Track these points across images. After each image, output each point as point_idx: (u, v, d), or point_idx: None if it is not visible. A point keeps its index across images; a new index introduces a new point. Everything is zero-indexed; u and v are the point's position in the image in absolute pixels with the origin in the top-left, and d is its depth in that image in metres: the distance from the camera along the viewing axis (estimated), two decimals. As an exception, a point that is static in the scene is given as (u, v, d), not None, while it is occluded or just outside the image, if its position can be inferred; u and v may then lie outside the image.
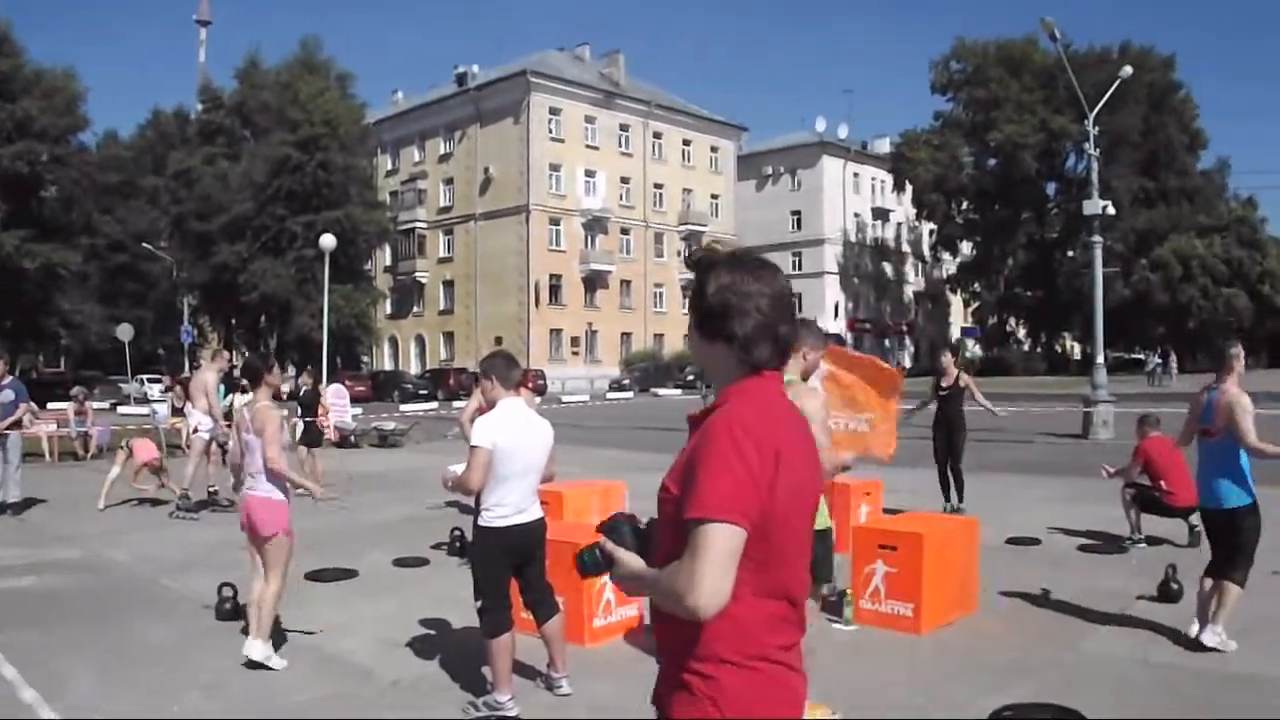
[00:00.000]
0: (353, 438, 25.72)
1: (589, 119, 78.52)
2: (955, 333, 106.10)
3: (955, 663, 6.87)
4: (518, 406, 6.10)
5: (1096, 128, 29.95)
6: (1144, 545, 10.70)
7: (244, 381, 9.06)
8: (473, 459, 5.86)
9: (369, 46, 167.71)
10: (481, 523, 5.99)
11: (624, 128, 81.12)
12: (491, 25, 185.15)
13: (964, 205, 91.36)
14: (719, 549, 2.27)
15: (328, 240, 25.31)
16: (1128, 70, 32.25)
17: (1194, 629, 7.12)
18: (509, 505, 5.93)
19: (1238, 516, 6.98)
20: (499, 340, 70.16)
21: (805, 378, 5.72)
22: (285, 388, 17.79)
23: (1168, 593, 8.33)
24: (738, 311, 2.54)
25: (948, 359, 13.88)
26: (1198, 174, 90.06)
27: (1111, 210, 29.71)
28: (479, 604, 5.99)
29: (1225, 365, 7.20)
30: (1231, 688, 6.26)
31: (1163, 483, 10.46)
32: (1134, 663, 6.82)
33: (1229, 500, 6.98)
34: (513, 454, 5.89)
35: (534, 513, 6.09)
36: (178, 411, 22.66)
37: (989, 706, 5.89)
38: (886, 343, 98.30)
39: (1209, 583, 7.14)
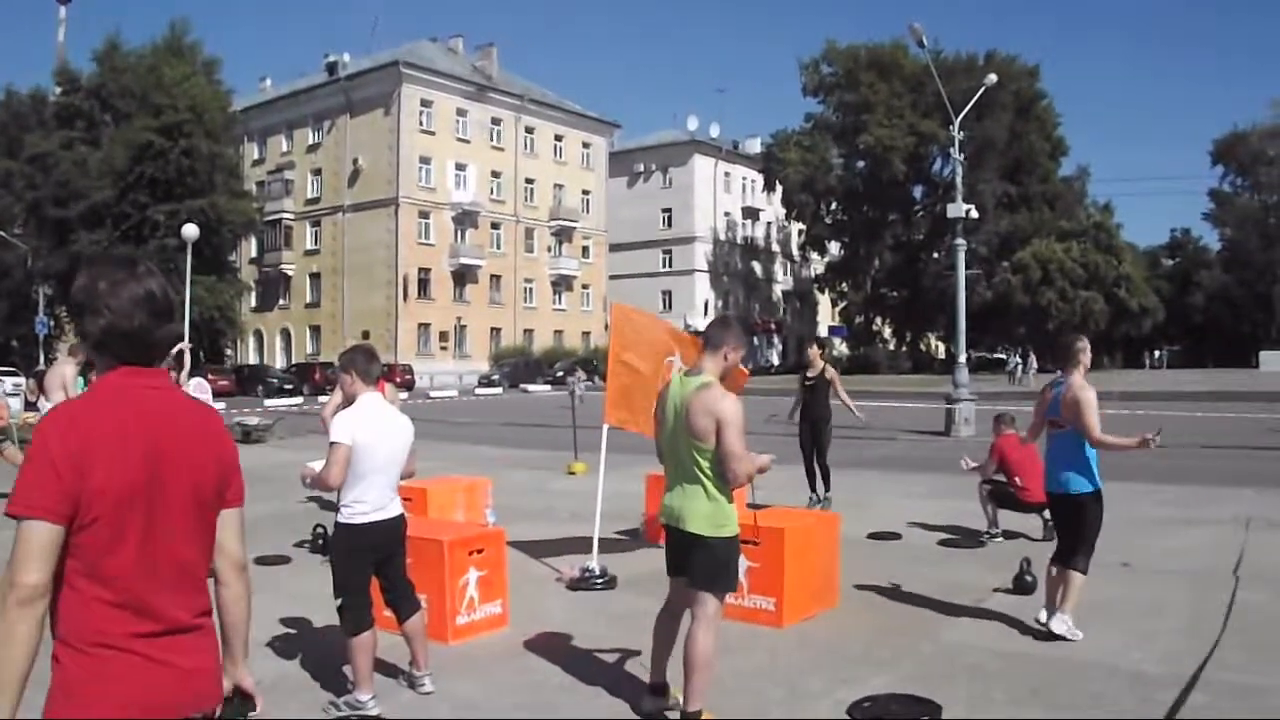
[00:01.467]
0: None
1: (461, 112, 77.98)
2: (823, 331, 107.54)
3: (816, 655, 6.95)
4: (377, 402, 6.03)
5: (962, 133, 30.54)
6: (1001, 539, 10.96)
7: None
8: (332, 455, 5.77)
9: (237, 31, 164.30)
10: (341, 520, 5.91)
11: (496, 121, 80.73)
12: (363, 14, 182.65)
13: (833, 206, 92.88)
14: (23, 542, 2.41)
15: (190, 230, 24.57)
16: (992, 78, 33.01)
17: (1043, 615, 7.34)
18: (369, 502, 5.85)
19: (1082, 503, 7.21)
20: (366, 334, 69.44)
21: (723, 378, 5.64)
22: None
23: (1022, 585, 8.54)
24: (90, 310, 2.62)
25: (814, 351, 14.04)
26: (1059, 180, 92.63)
27: (975, 214, 30.35)
28: (339, 602, 5.90)
29: (1071, 360, 7.43)
30: (1078, 674, 6.43)
31: (1017, 479, 10.74)
32: (988, 652, 6.96)
33: (1074, 486, 7.20)
34: (373, 450, 5.82)
35: (394, 509, 6.01)
36: (31, 406, 22.01)
37: (848, 698, 5.98)
38: (755, 340, 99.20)
39: (1055, 570, 7.37)
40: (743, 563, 7.68)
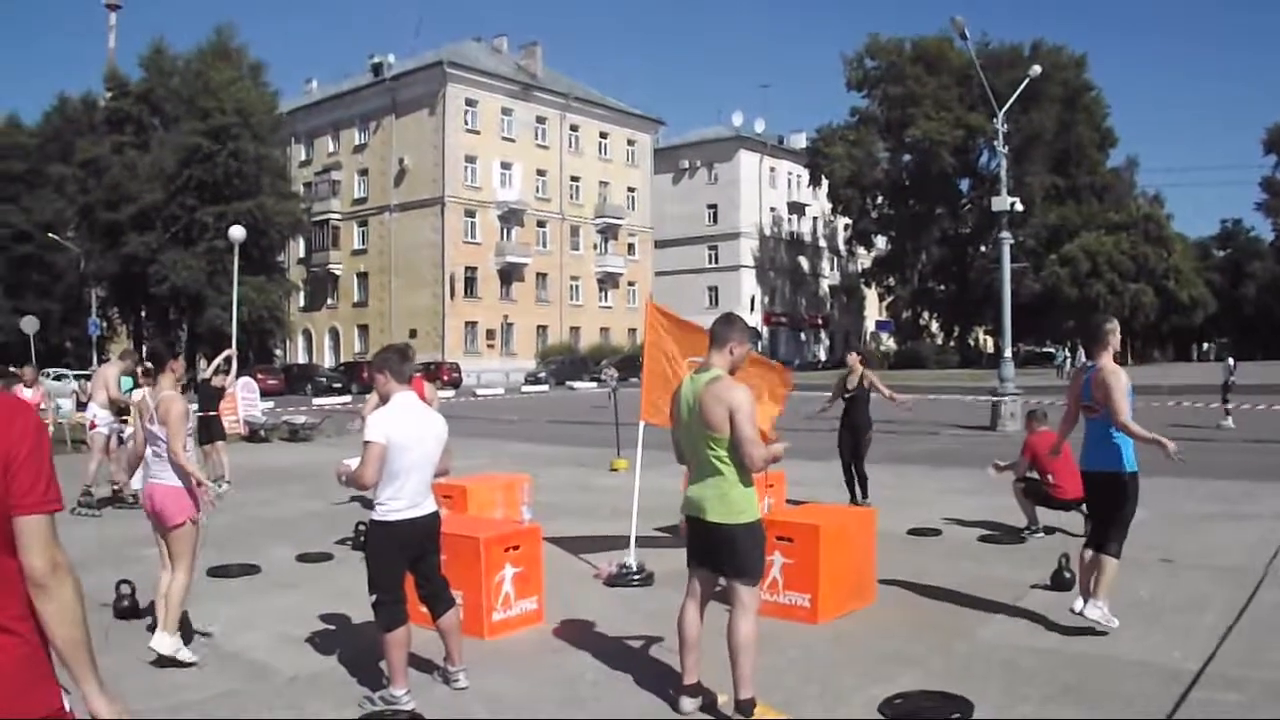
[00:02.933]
0: (262, 432, 25.45)
1: (505, 111, 78.15)
2: (870, 326, 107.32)
3: (849, 652, 6.95)
4: (411, 400, 6.10)
5: (1006, 125, 30.33)
6: (1042, 535, 10.91)
7: (147, 366, 8.91)
8: (366, 454, 5.84)
9: (283, 35, 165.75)
10: (375, 517, 5.98)
11: (541, 120, 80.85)
12: (408, 14, 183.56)
13: (879, 200, 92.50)
14: None
15: (237, 232, 24.87)
16: (1036, 69, 32.72)
17: (1078, 604, 7.25)
18: (403, 500, 5.92)
19: (1118, 482, 7.13)
20: (413, 333, 69.86)
21: (733, 371, 5.79)
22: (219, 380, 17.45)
23: (1060, 581, 8.50)
24: None
25: (854, 359, 13.86)
26: (1107, 171, 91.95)
27: (1020, 207, 30.18)
28: (373, 598, 5.97)
29: (1100, 342, 7.36)
30: (1114, 672, 6.41)
31: (1050, 476, 10.68)
32: (1022, 649, 6.94)
33: (1110, 464, 7.13)
34: (406, 448, 5.89)
35: (428, 507, 6.08)
36: (82, 406, 22.30)
37: (880, 695, 5.98)
38: (802, 336, 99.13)
39: (1089, 554, 7.31)
40: (778, 559, 7.76)
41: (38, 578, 2.51)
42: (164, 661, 6.67)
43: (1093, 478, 7.36)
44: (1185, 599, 8.19)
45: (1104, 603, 7.11)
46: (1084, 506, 9.10)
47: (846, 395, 13.56)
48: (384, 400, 6.13)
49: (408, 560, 6.08)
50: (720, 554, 5.64)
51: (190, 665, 6.74)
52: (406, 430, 5.92)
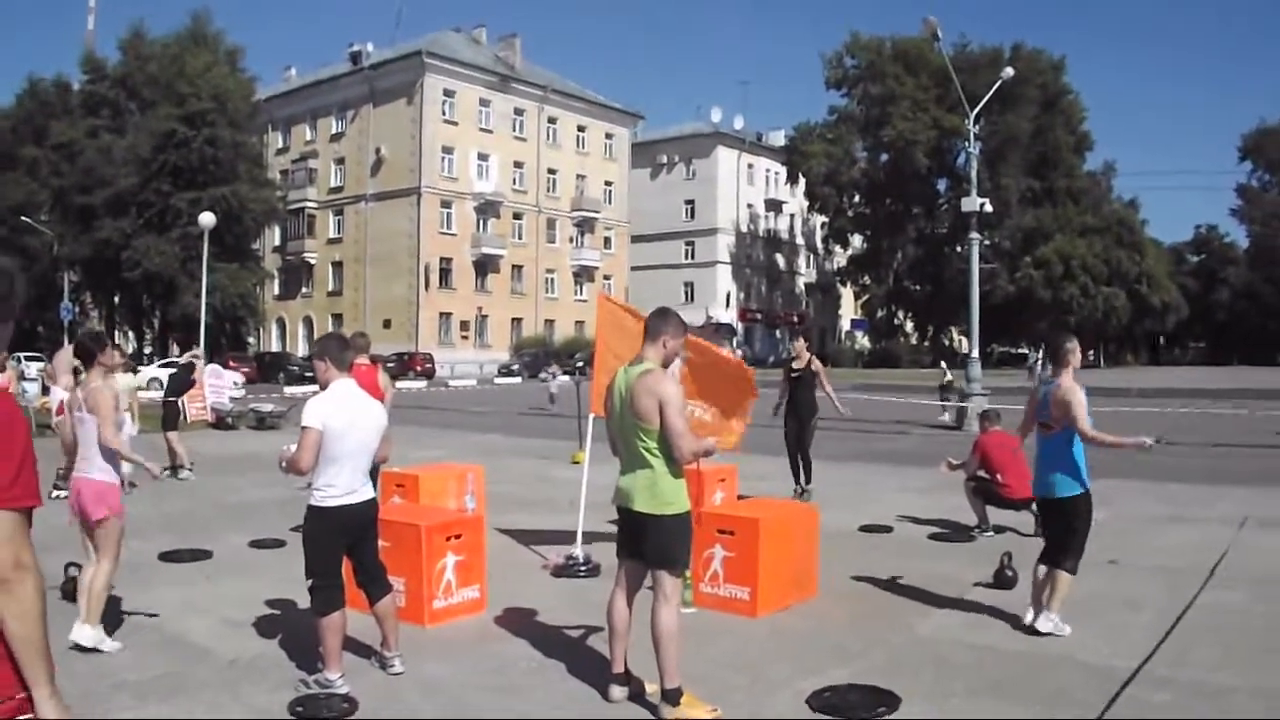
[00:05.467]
0: (230, 419, 25.38)
1: (483, 102, 78.13)
2: (845, 325, 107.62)
3: (785, 645, 7.00)
4: (350, 388, 6.13)
5: (977, 125, 30.47)
6: (991, 534, 10.97)
7: (76, 365, 8.88)
8: (302, 439, 5.88)
9: (262, 21, 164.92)
10: (312, 503, 6.01)
11: (519, 112, 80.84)
12: (388, 3, 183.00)
13: (856, 199, 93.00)
14: None
15: (207, 218, 24.88)
16: (1009, 72, 32.88)
17: (1029, 616, 7.33)
18: (339, 486, 5.95)
19: (1070, 505, 7.22)
20: (387, 323, 69.81)
21: (665, 365, 5.86)
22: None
23: (1002, 579, 8.57)
24: None
25: (799, 344, 14.17)
26: (1084, 175, 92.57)
27: (990, 208, 30.32)
28: (310, 583, 6.01)
29: (1060, 360, 7.42)
30: (1044, 668, 6.48)
31: (999, 476, 10.78)
32: (958, 645, 7.01)
33: (1062, 489, 7.22)
34: (343, 435, 5.92)
35: (365, 493, 6.12)
36: (47, 390, 22.21)
37: (810, 688, 6.02)
38: (777, 333, 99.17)
39: (1043, 570, 7.37)
40: (719, 551, 7.82)
41: (0, 574, 2.43)
42: (83, 651, 6.65)
43: (1047, 503, 7.48)
44: (1127, 599, 8.25)
45: (1056, 614, 7.20)
46: (1034, 506, 9.19)
47: (793, 375, 13.75)
48: (324, 387, 6.15)
49: (344, 546, 6.10)
50: (647, 544, 5.68)
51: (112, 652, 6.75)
52: (343, 417, 5.96)
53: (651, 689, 5.79)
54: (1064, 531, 7.28)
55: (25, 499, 2.46)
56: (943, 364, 33.74)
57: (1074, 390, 7.19)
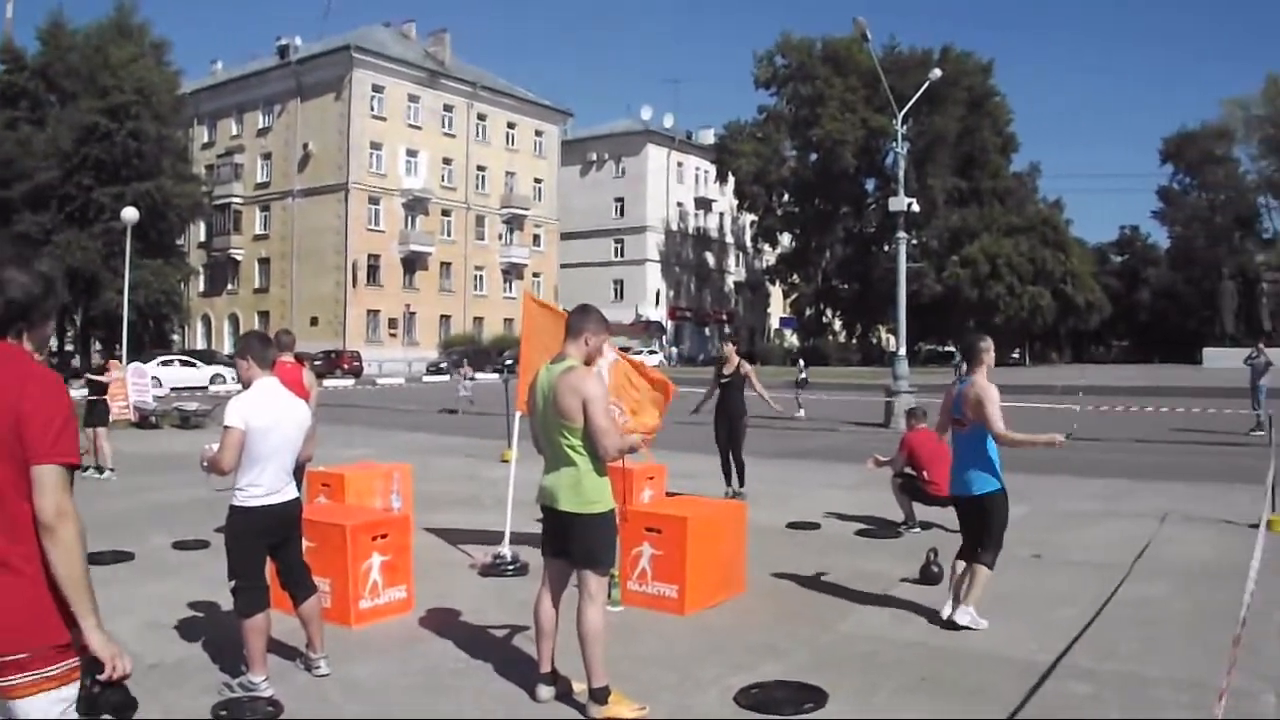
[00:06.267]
0: (153, 418, 25.02)
1: (412, 98, 77.70)
2: (774, 323, 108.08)
3: (713, 643, 7.01)
4: (272, 386, 6.05)
5: (905, 126, 30.76)
6: (918, 531, 11.07)
7: None
8: (224, 439, 5.80)
9: (188, 14, 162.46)
10: (235, 503, 5.93)
11: (448, 108, 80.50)
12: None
13: (785, 198, 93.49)
14: None
15: (129, 213, 24.51)
16: (936, 73, 33.18)
17: (947, 610, 7.43)
18: (263, 486, 5.87)
19: (986, 502, 7.32)
20: (314, 320, 69.25)
21: (588, 362, 5.85)
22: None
23: (928, 575, 8.66)
24: None
25: (729, 348, 14.20)
26: (1009, 176, 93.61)
27: (916, 208, 30.62)
28: (233, 584, 5.92)
29: (974, 359, 7.53)
30: (969, 663, 6.56)
31: (925, 473, 10.88)
32: (884, 641, 7.07)
33: (977, 487, 7.32)
34: (266, 434, 5.84)
35: (289, 493, 6.03)
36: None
37: (738, 685, 6.04)
38: (707, 331, 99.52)
39: (961, 565, 7.49)
40: (646, 550, 7.81)
41: (46, 520, 2.88)
42: None
43: (963, 501, 7.55)
44: (1050, 594, 8.38)
45: (973, 608, 7.29)
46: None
47: (723, 380, 13.79)
48: (246, 386, 6.08)
49: (268, 546, 6.03)
50: (571, 543, 5.68)
51: None
52: (266, 416, 5.87)
53: (579, 688, 5.79)
54: (981, 528, 7.38)
55: (68, 456, 2.95)
56: (801, 361, 35.45)
57: (987, 389, 7.29)
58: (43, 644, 2.92)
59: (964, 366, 7.79)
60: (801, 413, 28.45)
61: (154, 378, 46.47)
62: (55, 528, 2.88)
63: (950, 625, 7.29)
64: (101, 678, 2.95)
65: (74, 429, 3.01)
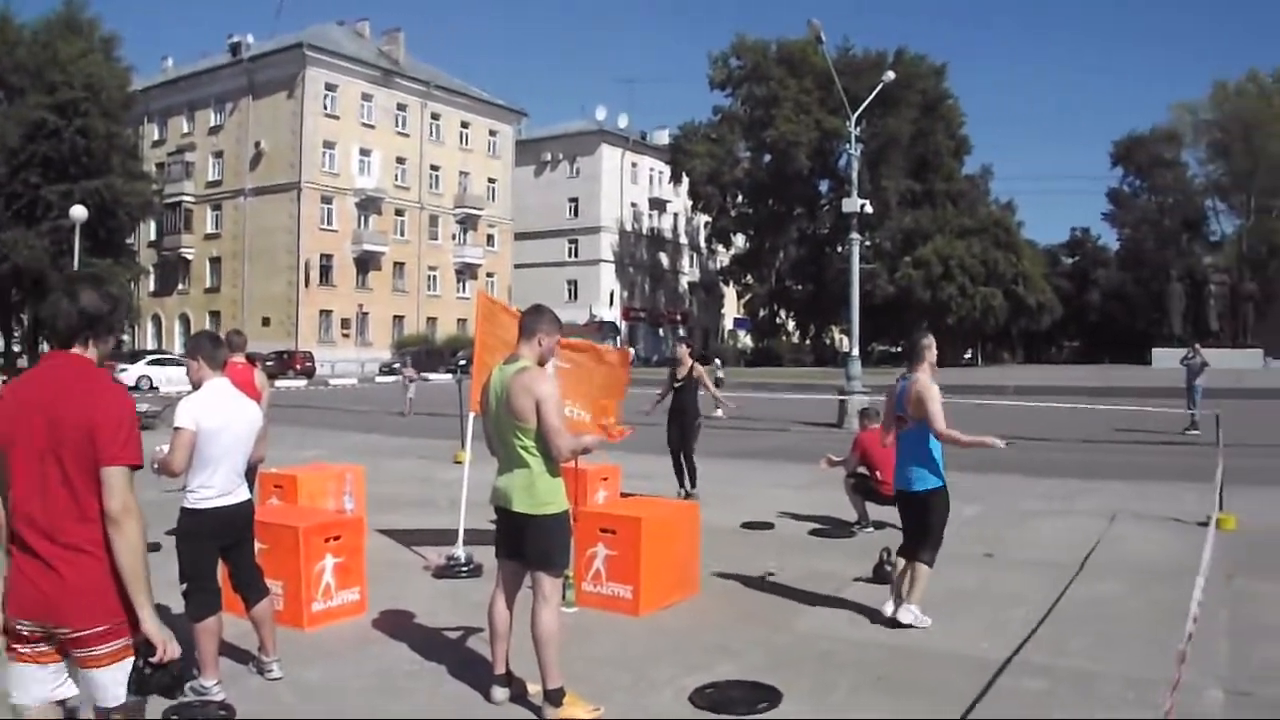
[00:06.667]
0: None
1: (366, 96, 77.32)
2: (729, 324, 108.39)
3: (668, 643, 7.01)
4: (223, 387, 6.00)
5: (859, 128, 30.91)
6: (871, 530, 11.11)
7: None
8: (174, 440, 5.73)
9: (139, 9, 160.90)
10: (186, 505, 5.87)
11: (402, 107, 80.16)
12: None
13: (739, 199, 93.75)
14: None
15: (78, 211, 24.29)
16: (890, 75, 33.47)
17: (889, 608, 7.46)
18: (214, 487, 5.80)
19: (927, 499, 7.39)
20: (266, 321, 68.85)
21: (541, 363, 5.84)
22: None
23: (881, 574, 8.68)
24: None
25: (683, 350, 14.24)
26: (962, 178, 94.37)
27: (870, 209, 30.77)
28: (184, 587, 5.86)
29: (916, 356, 7.59)
30: (924, 662, 6.60)
31: (878, 473, 10.92)
32: (839, 640, 7.10)
33: (918, 483, 7.39)
34: (217, 435, 5.77)
35: (240, 495, 5.97)
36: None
37: (693, 685, 6.05)
38: (661, 331, 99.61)
39: (902, 563, 7.54)
40: (601, 550, 7.81)
41: (113, 515, 3.39)
42: None
43: (905, 496, 7.61)
44: (1002, 592, 8.45)
45: (915, 606, 7.32)
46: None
47: (676, 384, 13.84)
48: (197, 387, 6.02)
49: (220, 548, 5.96)
50: (525, 544, 5.67)
51: None
52: (217, 417, 5.81)
53: (534, 689, 5.77)
54: (921, 525, 7.44)
55: (133, 459, 3.48)
56: (717, 360, 35.55)
57: (929, 386, 7.35)
58: (114, 619, 3.44)
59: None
60: (719, 411, 28.38)
61: (144, 376, 46.23)
62: (121, 522, 3.39)
63: (894, 624, 7.32)
64: (154, 660, 3.44)
65: (138, 434, 3.53)
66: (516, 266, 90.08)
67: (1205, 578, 5.48)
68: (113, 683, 3.46)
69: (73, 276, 3.86)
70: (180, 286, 79.34)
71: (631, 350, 11.76)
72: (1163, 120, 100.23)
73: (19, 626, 3.46)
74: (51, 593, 3.39)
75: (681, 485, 13.65)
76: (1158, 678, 5.90)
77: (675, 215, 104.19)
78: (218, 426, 5.79)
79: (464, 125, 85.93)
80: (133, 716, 3.61)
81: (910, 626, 7.24)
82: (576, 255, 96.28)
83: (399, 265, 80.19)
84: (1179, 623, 5.90)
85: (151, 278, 77.23)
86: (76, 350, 3.61)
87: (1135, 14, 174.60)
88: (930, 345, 7.62)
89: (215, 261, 77.72)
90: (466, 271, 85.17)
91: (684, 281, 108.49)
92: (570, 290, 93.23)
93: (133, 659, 3.45)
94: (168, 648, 3.45)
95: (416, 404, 31.44)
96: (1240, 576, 8.90)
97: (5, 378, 18.49)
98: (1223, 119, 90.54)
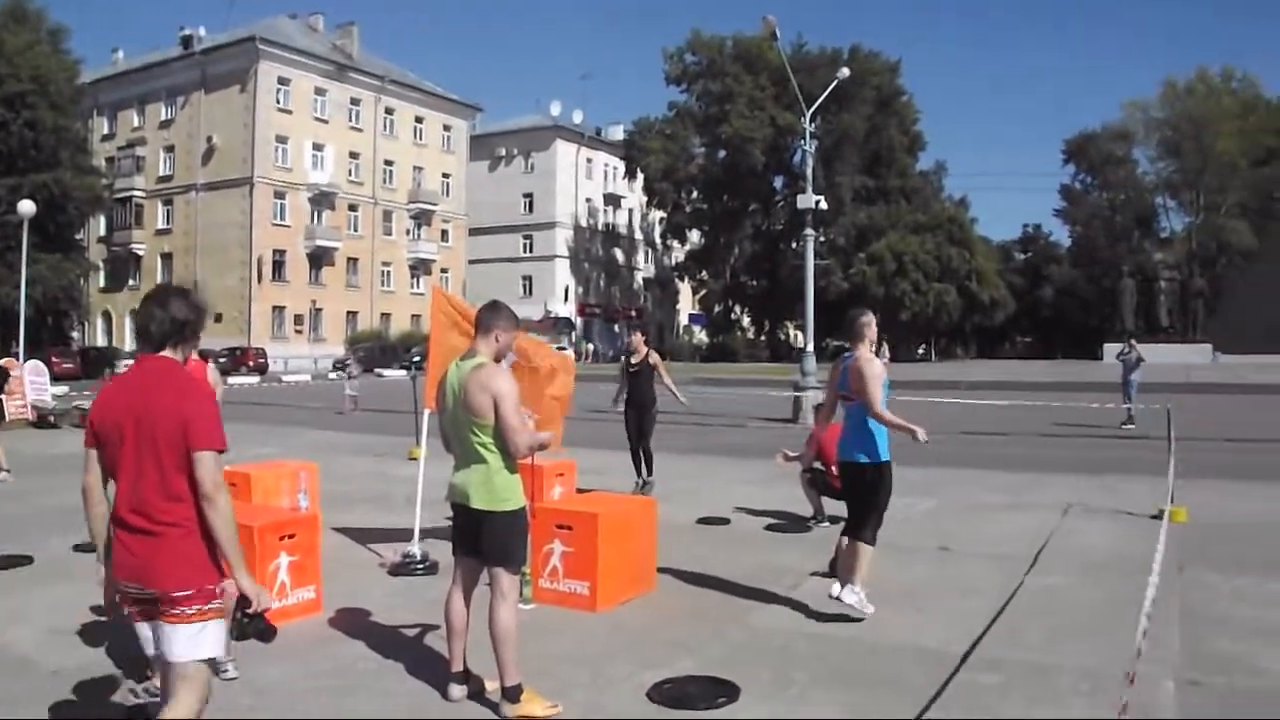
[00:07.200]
0: (52, 417, 24.50)
1: (319, 91, 76.91)
2: (683, 319, 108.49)
3: (625, 639, 7.02)
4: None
5: (814, 124, 31.00)
6: (827, 525, 11.13)
7: None
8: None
9: (87, 0, 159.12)
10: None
11: (355, 102, 79.80)
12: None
13: (693, 195, 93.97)
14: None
15: (26, 206, 23.98)
16: (845, 72, 33.62)
17: (835, 588, 7.42)
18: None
19: (869, 472, 7.39)
20: (219, 317, 68.13)
21: (498, 359, 5.85)
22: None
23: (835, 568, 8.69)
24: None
25: (637, 338, 14.41)
26: (916, 175, 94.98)
27: (825, 205, 30.90)
28: (136, 587, 5.80)
29: (855, 334, 7.63)
30: (881, 655, 6.64)
31: (834, 468, 10.93)
32: (796, 635, 7.11)
33: (861, 456, 7.39)
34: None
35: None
36: None
37: (650, 680, 6.06)
38: (616, 327, 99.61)
39: (844, 541, 7.55)
40: (557, 547, 7.79)
41: (206, 493, 4.00)
42: None
43: (846, 468, 7.60)
44: (958, 585, 8.50)
45: (860, 589, 7.32)
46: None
47: (631, 370, 13.94)
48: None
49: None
50: (483, 541, 5.66)
51: None
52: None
53: (491, 687, 5.76)
54: (864, 501, 7.44)
55: (220, 444, 4.09)
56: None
57: (870, 363, 7.41)
58: (203, 584, 4.06)
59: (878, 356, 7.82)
60: (683, 399, 28.33)
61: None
62: (214, 498, 4.01)
63: (837, 602, 7.30)
64: (249, 611, 4.14)
65: (220, 423, 4.16)
66: (471, 262, 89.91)
67: (1158, 569, 5.54)
68: (191, 641, 4.08)
69: (163, 288, 4.40)
70: (131, 282, 78.43)
71: (573, 356, 11.68)
72: (1114, 118, 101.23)
73: (128, 591, 4.11)
74: (148, 561, 4.00)
75: (639, 474, 13.70)
76: (1110, 670, 5.97)
77: (630, 211, 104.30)
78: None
79: (418, 120, 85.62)
80: (196, 688, 4.21)
81: (851, 609, 7.26)
82: (531, 251, 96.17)
83: (352, 261, 79.84)
84: (1132, 614, 5.98)
85: (102, 273, 76.35)
86: (166, 353, 4.23)
87: (1088, 12, 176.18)
88: (869, 323, 7.66)
89: (167, 257, 77.02)
90: (420, 267, 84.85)
91: (639, 277, 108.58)
92: (525, 286, 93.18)
93: (211, 622, 4.11)
94: (260, 599, 4.16)
95: (362, 401, 31.11)
96: (1191, 567, 9.01)
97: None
98: (1173, 117, 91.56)
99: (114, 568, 4.15)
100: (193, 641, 4.09)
